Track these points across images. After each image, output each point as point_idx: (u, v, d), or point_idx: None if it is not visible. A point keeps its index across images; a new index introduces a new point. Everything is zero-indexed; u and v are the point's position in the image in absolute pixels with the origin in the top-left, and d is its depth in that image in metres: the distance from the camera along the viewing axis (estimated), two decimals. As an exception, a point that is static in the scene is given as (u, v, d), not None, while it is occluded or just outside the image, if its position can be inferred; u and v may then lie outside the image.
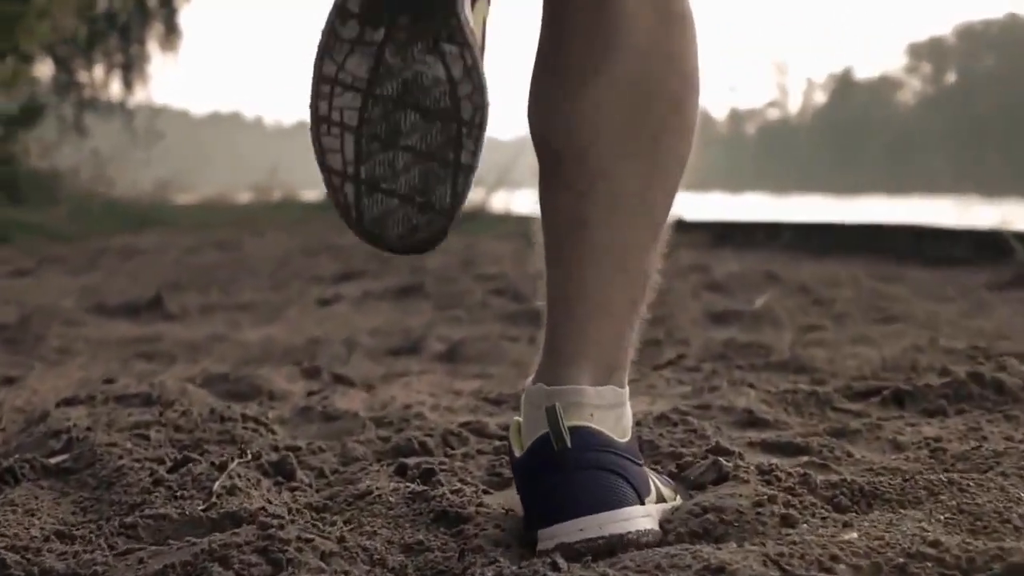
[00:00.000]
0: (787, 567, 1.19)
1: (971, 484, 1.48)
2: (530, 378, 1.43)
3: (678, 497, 1.51)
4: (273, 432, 2.07)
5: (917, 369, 2.68)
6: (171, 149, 18.38)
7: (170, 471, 1.70)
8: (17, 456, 1.81)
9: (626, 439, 1.40)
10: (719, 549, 1.24)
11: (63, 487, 1.71)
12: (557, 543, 1.32)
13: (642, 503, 1.37)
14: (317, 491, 1.69)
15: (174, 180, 14.64)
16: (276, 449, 1.89)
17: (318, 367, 3.01)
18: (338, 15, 1.28)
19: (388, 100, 1.27)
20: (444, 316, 4.39)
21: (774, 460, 1.69)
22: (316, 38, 1.29)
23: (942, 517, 1.37)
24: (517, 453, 1.41)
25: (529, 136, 1.44)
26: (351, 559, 1.32)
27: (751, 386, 2.44)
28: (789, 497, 1.43)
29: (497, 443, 1.94)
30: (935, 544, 1.23)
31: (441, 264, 6.19)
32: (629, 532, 1.32)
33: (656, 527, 1.35)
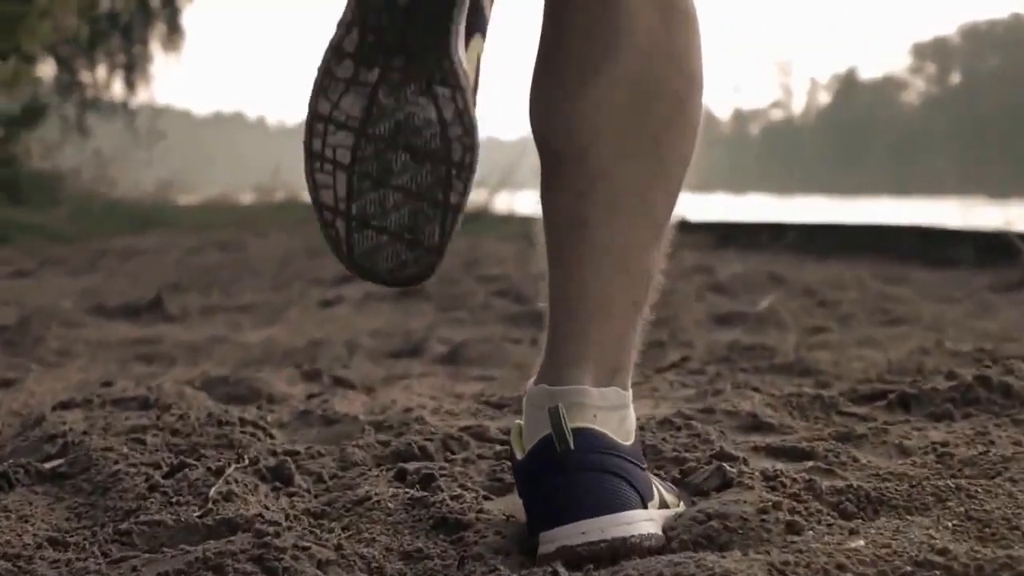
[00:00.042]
0: (792, 576, 1.17)
1: (979, 490, 1.46)
2: (531, 380, 1.42)
3: (681, 503, 1.50)
4: (272, 436, 2.05)
5: (923, 372, 2.67)
6: (173, 149, 18.41)
7: (166, 476, 1.68)
8: (12, 461, 1.79)
9: (630, 442, 1.39)
10: (723, 557, 1.23)
11: (58, 492, 1.70)
12: (558, 546, 1.31)
13: (645, 507, 1.35)
14: (315, 497, 1.67)
15: (176, 180, 14.65)
16: (274, 454, 1.87)
17: (318, 370, 2.99)
18: (334, 54, 1.30)
19: (380, 140, 1.30)
20: (446, 318, 4.38)
21: (779, 465, 1.67)
22: (312, 75, 1.31)
23: (950, 524, 1.35)
24: (519, 456, 1.40)
25: (531, 136, 1.44)
26: (349, 567, 1.31)
27: (755, 389, 2.43)
28: (794, 504, 1.41)
29: (498, 448, 1.92)
30: (943, 552, 1.21)
31: (443, 265, 6.15)
32: (632, 536, 1.30)
33: (659, 532, 1.34)
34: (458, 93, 1.29)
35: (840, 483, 1.55)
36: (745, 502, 1.39)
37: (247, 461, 1.76)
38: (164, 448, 1.90)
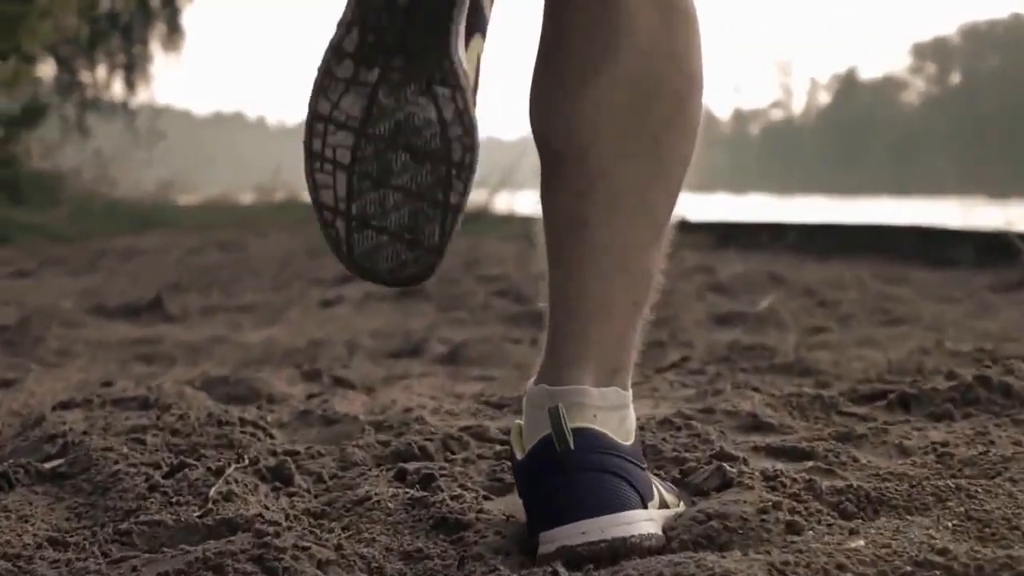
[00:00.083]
0: (792, 576, 1.17)
1: (979, 490, 1.46)
2: (531, 380, 1.42)
3: (681, 503, 1.49)
4: (272, 436, 2.05)
5: (923, 372, 2.66)
6: (173, 149, 18.40)
7: (166, 476, 1.68)
8: (12, 461, 1.79)
9: (630, 442, 1.39)
10: (723, 557, 1.23)
11: (58, 492, 1.70)
12: (558, 546, 1.30)
13: (645, 507, 1.35)
14: (315, 497, 1.67)
15: (176, 180, 14.64)
16: (274, 454, 1.87)
17: (318, 370, 2.99)
18: (334, 54, 1.30)
19: (380, 140, 1.30)
20: (446, 318, 4.37)
21: (779, 465, 1.67)
22: (312, 74, 1.32)
23: (950, 524, 1.35)
24: (519, 456, 1.39)
25: (531, 136, 1.44)
26: (348, 567, 1.31)
27: (755, 389, 2.43)
28: (794, 504, 1.41)
29: (498, 448, 1.92)
30: (943, 552, 1.21)
31: (443, 265, 6.14)
32: (632, 536, 1.30)
33: (659, 532, 1.34)
34: (458, 93, 1.29)
35: (840, 483, 1.54)
36: (745, 502, 1.39)
37: (247, 461, 1.76)
38: (164, 448, 1.90)
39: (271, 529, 1.36)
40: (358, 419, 2.18)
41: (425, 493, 1.56)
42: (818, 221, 9.63)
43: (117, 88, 17.32)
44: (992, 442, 1.85)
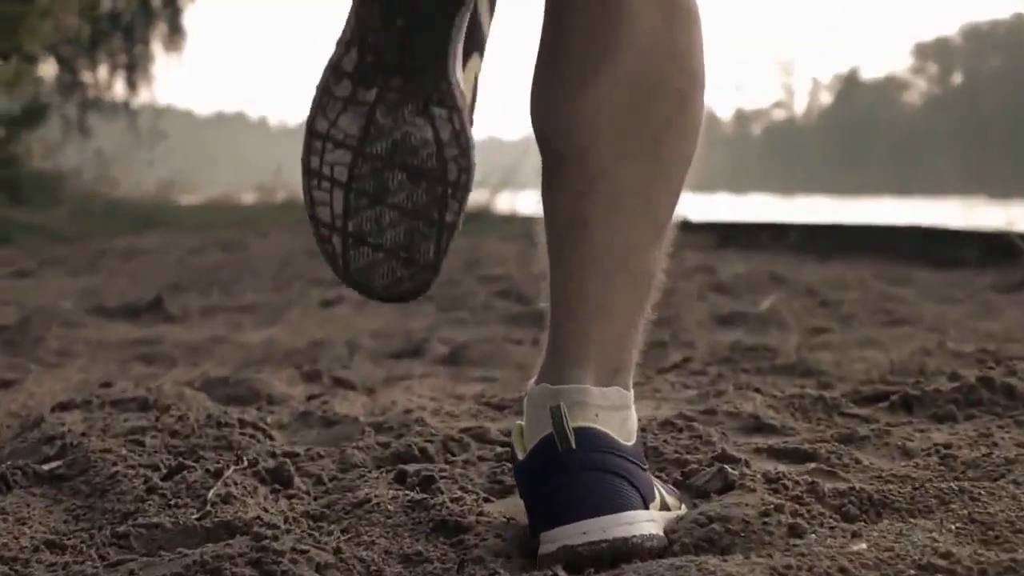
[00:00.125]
0: (795, 580, 1.16)
1: (982, 492, 1.45)
2: (533, 379, 1.41)
3: (683, 506, 1.49)
4: (271, 438, 2.04)
5: (926, 373, 2.65)
6: (175, 149, 18.39)
7: (164, 478, 1.67)
8: (10, 463, 1.78)
9: (631, 443, 1.38)
10: (725, 561, 1.22)
11: (56, 494, 1.69)
12: (560, 546, 1.30)
13: (647, 508, 1.35)
14: (315, 499, 1.66)
15: (178, 180, 14.63)
16: (274, 455, 1.86)
17: (319, 370, 2.98)
18: (332, 73, 1.32)
19: (377, 159, 1.31)
20: (447, 318, 4.37)
21: (781, 467, 1.67)
22: (311, 94, 1.33)
23: (953, 527, 1.35)
24: (520, 456, 1.39)
25: (533, 136, 1.43)
26: (347, 571, 1.30)
27: (757, 390, 2.42)
28: (796, 506, 1.40)
29: (499, 449, 1.91)
30: (946, 555, 1.20)
31: (445, 265, 6.16)
32: (634, 536, 1.30)
33: (661, 532, 1.33)
34: (455, 114, 1.30)
35: (843, 485, 1.54)
36: (747, 505, 1.38)
37: (246, 463, 1.75)
38: (163, 450, 1.89)
39: (269, 532, 1.36)
40: (358, 420, 2.18)
41: (425, 495, 1.55)
42: (820, 221, 9.64)
43: (118, 88, 17.35)
44: (995, 444, 1.84)
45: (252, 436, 2.00)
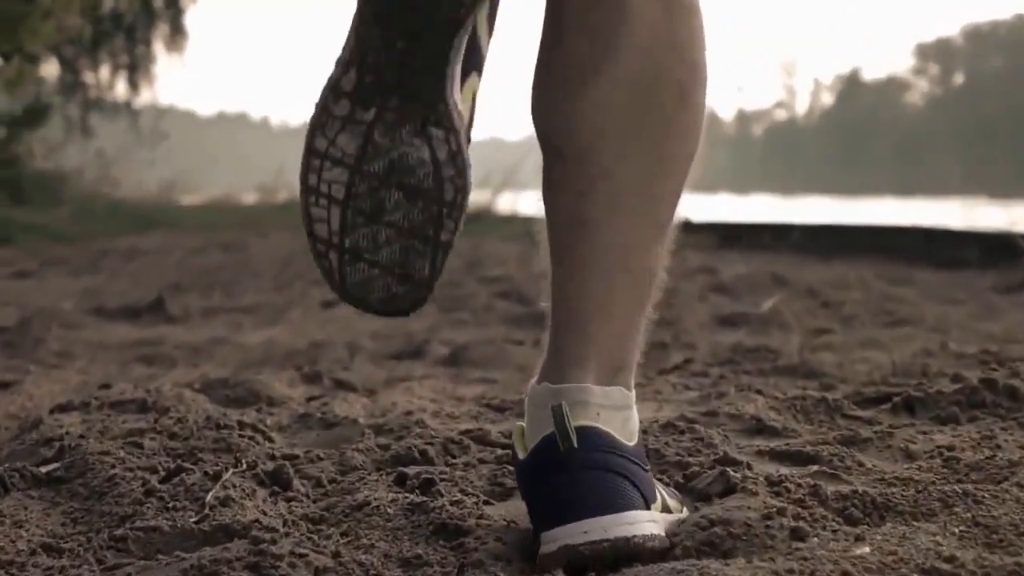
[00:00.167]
0: (798, 585, 1.16)
1: (986, 495, 1.44)
2: (534, 379, 1.41)
3: (684, 509, 1.48)
4: (270, 440, 2.03)
5: (928, 374, 2.65)
6: (176, 150, 18.43)
7: (163, 481, 1.66)
8: (7, 465, 1.77)
9: (633, 443, 1.38)
10: (727, 565, 1.21)
11: (54, 497, 1.68)
12: (561, 545, 1.29)
13: (648, 509, 1.34)
14: (314, 502, 1.65)
15: (179, 181, 14.65)
16: (273, 458, 1.85)
17: (319, 372, 2.97)
18: (331, 92, 1.33)
19: (374, 177, 1.33)
20: (448, 319, 4.36)
21: (783, 470, 1.66)
22: (310, 112, 1.35)
23: (957, 530, 1.34)
24: (521, 455, 1.39)
25: (535, 136, 1.43)
26: (346, 575, 1.29)
27: (759, 392, 2.41)
28: (799, 509, 1.39)
29: (500, 452, 1.90)
30: (950, 559, 1.20)
31: (445, 267, 6.16)
32: (635, 536, 1.29)
33: (662, 533, 1.32)
34: (452, 135, 1.32)
35: (845, 488, 1.53)
36: (749, 508, 1.37)
37: (245, 465, 1.74)
38: (161, 452, 1.88)
39: (268, 535, 1.35)
40: (358, 422, 2.17)
41: (425, 498, 1.54)
42: (821, 222, 9.65)
43: (120, 88, 17.36)
44: (999, 446, 1.83)
45: (251, 438, 1.99)
